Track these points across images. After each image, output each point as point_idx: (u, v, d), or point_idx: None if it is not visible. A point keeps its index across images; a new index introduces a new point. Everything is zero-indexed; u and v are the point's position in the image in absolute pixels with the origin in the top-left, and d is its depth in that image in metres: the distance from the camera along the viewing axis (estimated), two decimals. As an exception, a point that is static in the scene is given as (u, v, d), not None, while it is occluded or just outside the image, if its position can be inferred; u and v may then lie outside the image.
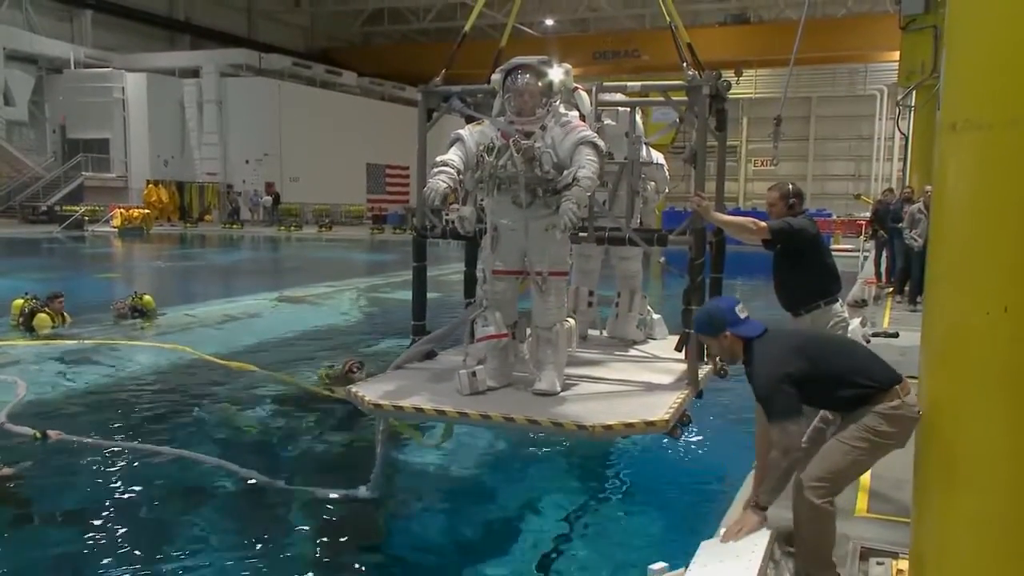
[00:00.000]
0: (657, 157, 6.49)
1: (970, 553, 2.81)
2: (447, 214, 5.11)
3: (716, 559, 3.30)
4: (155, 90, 38.06)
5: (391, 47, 49.17)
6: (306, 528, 5.44)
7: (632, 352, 6.39)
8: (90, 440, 6.75)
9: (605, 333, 6.81)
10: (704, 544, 3.48)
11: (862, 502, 4.60)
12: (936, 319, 2.93)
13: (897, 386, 3.48)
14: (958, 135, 2.74)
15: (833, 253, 5.48)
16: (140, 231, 31.78)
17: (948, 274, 2.86)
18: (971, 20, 2.76)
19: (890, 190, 17.46)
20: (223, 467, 6.24)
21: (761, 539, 3.33)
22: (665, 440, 5.49)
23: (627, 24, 44.86)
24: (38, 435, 6.67)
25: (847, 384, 3.52)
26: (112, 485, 5.97)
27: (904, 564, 3.66)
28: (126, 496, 5.79)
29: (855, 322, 8.19)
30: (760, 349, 3.61)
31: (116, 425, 7.35)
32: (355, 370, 8.05)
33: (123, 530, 5.25)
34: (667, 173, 6.69)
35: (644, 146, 6.12)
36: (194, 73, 39.47)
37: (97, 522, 5.35)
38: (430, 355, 5.91)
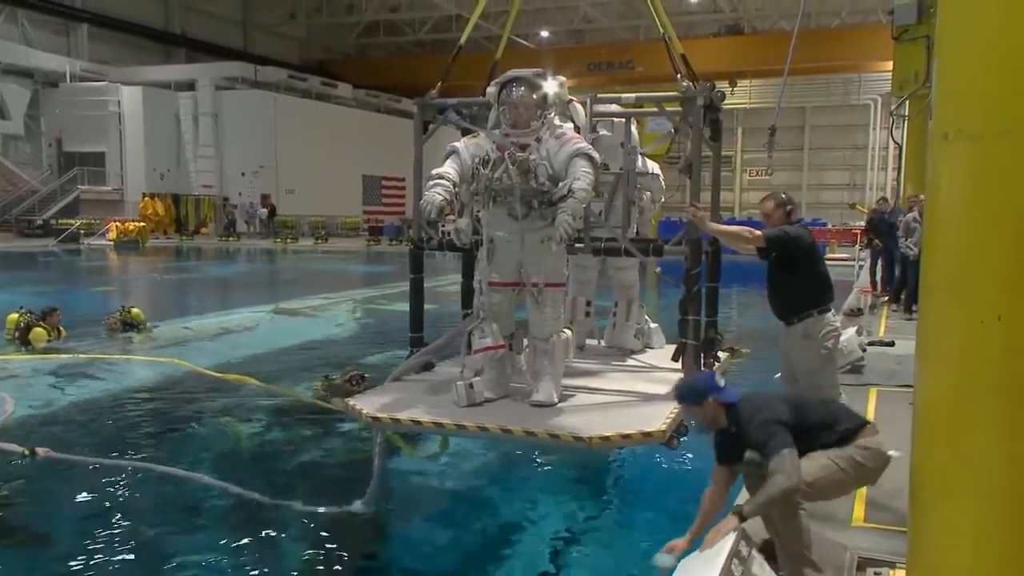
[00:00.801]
0: (653, 167, 6.52)
1: (968, 562, 2.81)
2: (443, 226, 5.13)
3: (690, 571, 3.34)
4: (151, 103, 38.07)
5: (387, 59, 49.30)
6: (302, 543, 5.41)
7: (630, 362, 6.40)
8: (80, 457, 6.63)
9: (603, 343, 6.82)
10: (682, 562, 3.50)
11: (859, 511, 4.60)
12: (931, 328, 2.94)
13: (867, 426, 3.82)
14: (950, 145, 2.76)
15: (829, 262, 5.50)
16: (136, 244, 31.75)
17: (942, 283, 2.87)
18: (962, 31, 2.78)
19: (884, 199, 17.52)
20: (215, 485, 6.17)
21: (728, 538, 3.37)
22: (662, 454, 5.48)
23: (622, 35, 45.06)
24: (26, 452, 6.52)
25: (828, 429, 3.77)
26: (102, 503, 5.88)
27: (901, 574, 3.66)
28: (117, 514, 5.70)
29: (851, 331, 8.20)
30: (744, 408, 3.79)
31: (109, 441, 7.29)
32: (356, 383, 8.03)
33: (114, 549, 5.18)
34: (663, 183, 6.72)
35: (640, 156, 6.15)
36: (190, 86, 39.50)
37: (86, 541, 5.26)
38: (428, 367, 5.91)
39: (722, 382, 3.93)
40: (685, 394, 4.03)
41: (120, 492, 6.07)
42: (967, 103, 2.74)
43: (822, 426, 3.77)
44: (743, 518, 3.52)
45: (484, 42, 33.22)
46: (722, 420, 3.85)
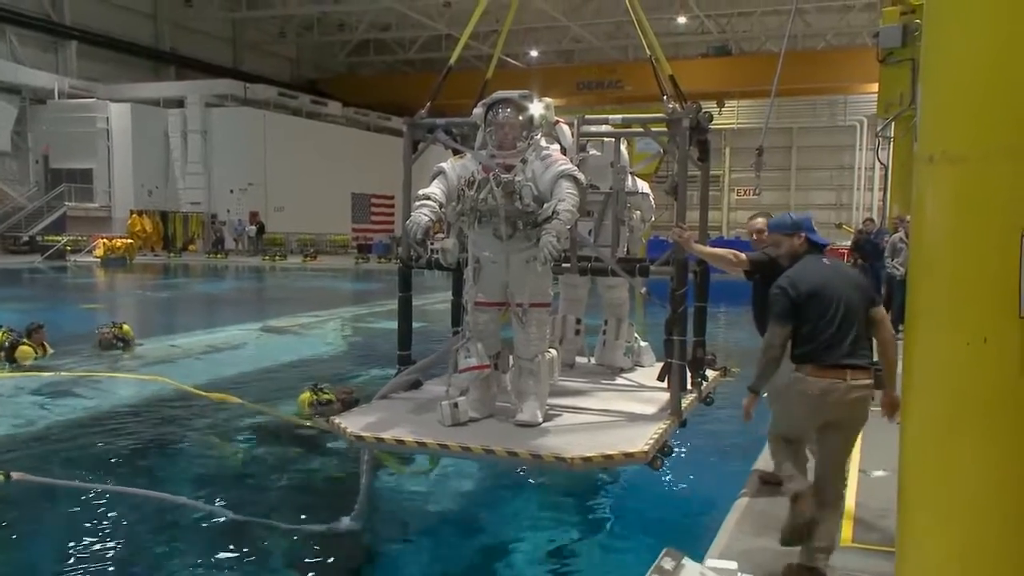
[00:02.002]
0: (643, 186, 6.54)
1: (955, 584, 2.81)
2: (432, 243, 5.13)
3: None
4: (139, 120, 37.96)
5: (377, 77, 49.46)
6: (289, 563, 5.36)
7: (618, 381, 6.38)
8: (55, 480, 6.44)
9: (593, 361, 6.81)
10: None
11: (847, 532, 4.59)
12: (917, 350, 2.95)
13: (809, 365, 3.97)
14: (935, 168, 2.78)
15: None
16: (123, 261, 31.58)
17: (928, 305, 2.88)
18: (945, 55, 2.81)
19: (871, 220, 17.63)
20: (196, 507, 6.06)
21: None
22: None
23: (611, 55, 45.39)
24: (1, 477, 6.30)
25: (799, 341, 4.02)
26: (81, 528, 5.73)
27: (890, 595, 3.65)
28: (95, 539, 5.56)
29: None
30: (805, 261, 4.17)
31: (91, 461, 7.17)
32: (348, 407, 7.91)
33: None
34: (652, 202, 6.74)
35: (629, 176, 6.17)
36: (179, 103, 39.44)
37: (62, 569, 5.15)
38: (416, 385, 5.89)
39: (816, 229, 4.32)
40: (780, 224, 4.36)
41: (99, 516, 5.93)
42: (951, 126, 2.76)
43: (801, 337, 3.99)
44: (756, 391, 4.05)
45: (474, 61, 33.43)
46: (800, 256, 4.20)
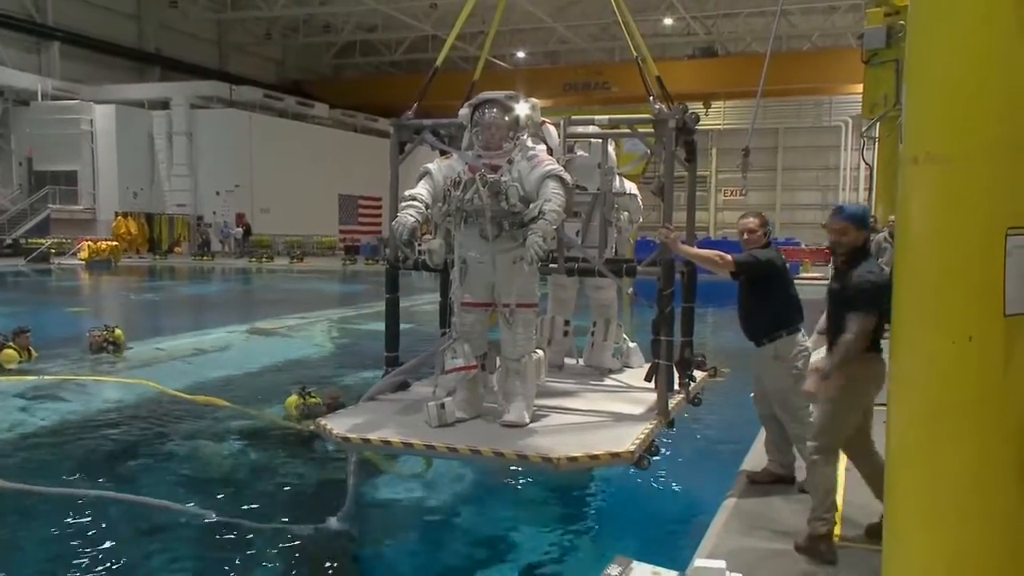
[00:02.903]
0: (630, 187, 6.54)
1: (941, 582, 2.82)
2: (419, 244, 5.12)
3: None
4: (124, 122, 37.74)
5: (363, 79, 49.36)
6: (277, 564, 5.34)
7: (606, 382, 6.38)
8: (35, 487, 6.31)
9: (582, 362, 6.81)
10: None
11: (835, 530, 4.60)
12: (902, 349, 2.96)
13: (873, 351, 4.20)
14: (919, 168, 2.80)
15: (802, 282, 5.58)
16: (108, 263, 31.38)
17: (913, 304, 2.90)
18: (929, 57, 2.82)
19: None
20: (181, 511, 6.01)
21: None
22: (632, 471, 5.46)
23: (597, 56, 45.50)
24: None
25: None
26: (61, 535, 5.63)
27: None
28: (77, 546, 5.44)
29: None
30: (872, 261, 4.33)
31: (75, 466, 7.10)
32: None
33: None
34: (640, 203, 6.74)
35: (617, 176, 6.17)
36: (164, 105, 39.22)
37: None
38: (403, 386, 5.87)
39: None
40: (857, 216, 4.40)
41: (81, 522, 5.83)
42: (936, 127, 2.78)
43: (880, 322, 4.07)
44: (825, 376, 4.15)
45: (460, 62, 33.42)
46: (858, 247, 4.32)
